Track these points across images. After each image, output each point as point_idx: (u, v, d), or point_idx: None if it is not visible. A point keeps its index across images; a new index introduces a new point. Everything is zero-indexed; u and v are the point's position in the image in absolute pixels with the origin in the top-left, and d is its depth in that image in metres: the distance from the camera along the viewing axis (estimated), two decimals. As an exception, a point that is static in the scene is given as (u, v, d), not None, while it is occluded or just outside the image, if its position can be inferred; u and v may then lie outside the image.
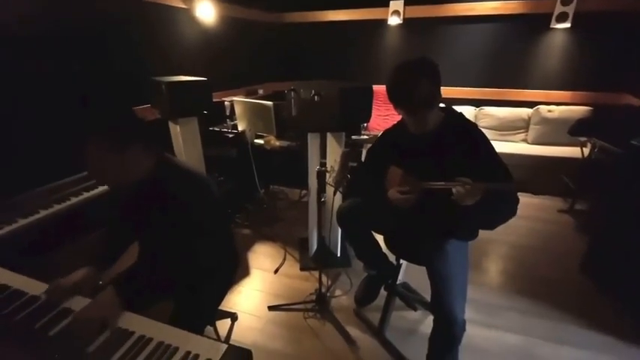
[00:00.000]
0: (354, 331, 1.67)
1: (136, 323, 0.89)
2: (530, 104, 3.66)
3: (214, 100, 2.66)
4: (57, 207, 1.58)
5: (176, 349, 0.82)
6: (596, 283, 2.00)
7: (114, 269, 1.20)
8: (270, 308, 1.82)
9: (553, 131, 3.44)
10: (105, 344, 0.83)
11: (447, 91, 4.02)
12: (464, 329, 1.16)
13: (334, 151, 1.99)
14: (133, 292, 0.98)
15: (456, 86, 3.97)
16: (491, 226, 1.13)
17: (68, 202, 1.63)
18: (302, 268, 2.16)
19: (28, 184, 1.57)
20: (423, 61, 1.15)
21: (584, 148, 2.94)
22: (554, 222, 2.74)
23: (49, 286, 0.96)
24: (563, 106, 3.50)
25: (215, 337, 1.50)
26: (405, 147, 1.29)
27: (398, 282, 1.79)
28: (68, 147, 1.84)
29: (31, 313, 0.92)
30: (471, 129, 1.22)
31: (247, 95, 4.01)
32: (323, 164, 2.08)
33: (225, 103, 3.47)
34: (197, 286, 1.17)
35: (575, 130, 2.87)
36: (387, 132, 1.44)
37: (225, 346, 0.82)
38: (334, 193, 1.54)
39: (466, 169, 1.06)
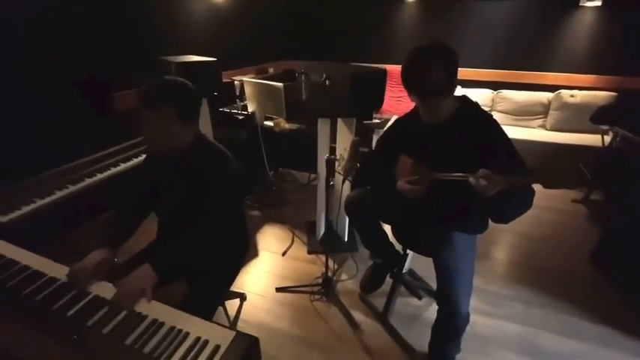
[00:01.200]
0: (358, 316, 1.71)
1: (149, 307, 0.93)
2: (551, 88, 3.51)
3: (224, 79, 2.62)
4: (72, 188, 1.62)
5: (187, 334, 0.85)
6: (605, 276, 1.98)
7: (128, 246, 1.24)
8: (278, 290, 1.88)
9: (573, 117, 3.31)
10: (119, 326, 0.87)
11: (463, 73, 3.87)
12: (467, 321, 1.18)
13: (344, 137, 1.97)
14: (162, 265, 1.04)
15: (474, 67, 3.81)
16: (506, 219, 1.11)
17: (83, 183, 1.67)
18: (309, 252, 2.20)
19: (42, 165, 1.60)
20: (438, 47, 1.10)
21: (605, 136, 2.83)
22: (567, 212, 2.69)
23: (69, 272, 1.00)
24: (585, 91, 3.34)
25: (225, 316, 1.57)
26: (417, 136, 1.26)
27: (404, 270, 1.81)
28: (80, 128, 1.88)
29: (50, 294, 0.96)
30: (486, 120, 1.18)
31: (257, 74, 3.95)
32: (333, 149, 2.07)
33: (235, 82, 3.43)
34: (210, 267, 1.22)
35: (598, 118, 2.75)
36: (399, 120, 1.40)
37: (233, 333, 0.85)
38: (343, 182, 1.53)
39: (480, 161, 1.03)
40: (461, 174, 1.04)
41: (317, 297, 1.82)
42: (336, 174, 1.96)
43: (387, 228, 1.59)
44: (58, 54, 1.83)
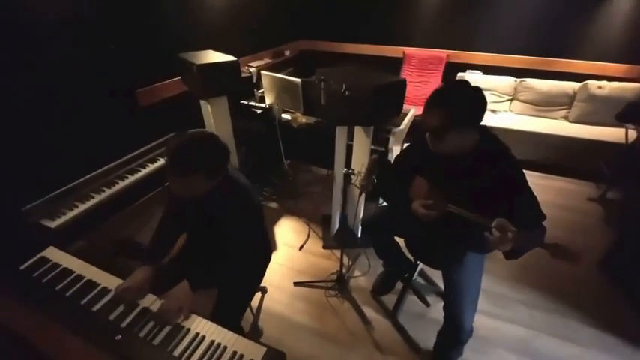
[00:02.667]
0: (370, 312, 1.86)
1: (191, 321, 1.07)
2: (578, 77, 3.36)
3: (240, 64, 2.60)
4: (108, 191, 1.75)
5: (225, 348, 1.00)
6: (612, 282, 2.03)
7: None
8: (296, 284, 2.03)
9: (599, 110, 3.20)
10: (167, 338, 1.02)
11: (487, 58, 3.72)
12: (470, 335, 1.29)
13: (361, 139, 1.99)
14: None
15: (498, 53, 3.65)
16: (515, 258, 1.15)
17: (117, 186, 1.79)
18: (325, 247, 2.33)
19: (78, 172, 1.71)
20: (451, 89, 1.14)
21: (629, 131, 2.75)
22: (582, 212, 2.70)
23: (117, 291, 1.12)
24: (615, 82, 3.19)
25: (249, 309, 1.73)
26: (435, 163, 1.28)
27: (414, 276, 1.91)
28: (108, 131, 1.97)
29: (106, 304, 1.11)
30: (505, 159, 1.17)
31: (273, 58, 3.90)
32: (350, 147, 2.10)
33: (251, 69, 3.41)
34: (239, 276, 1.33)
35: (624, 116, 2.66)
36: (419, 141, 1.42)
37: (264, 349, 0.99)
38: (360, 195, 1.60)
39: (493, 200, 1.08)
40: (473, 215, 1.08)
41: (332, 293, 1.97)
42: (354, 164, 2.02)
43: (400, 239, 1.67)
44: (79, 56, 1.86)
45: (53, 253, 1.32)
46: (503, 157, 1.17)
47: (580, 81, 3.31)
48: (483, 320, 1.80)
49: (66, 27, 1.77)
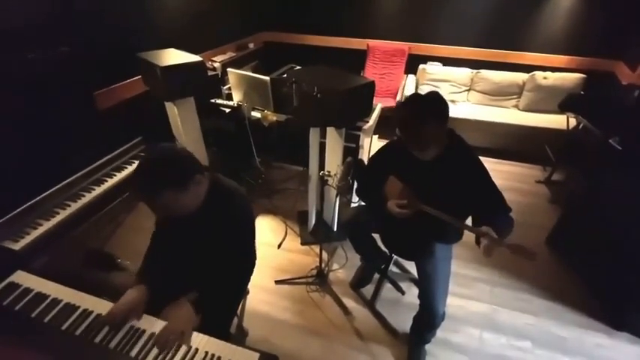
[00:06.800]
0: (349, 303, 1.96)
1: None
2: (527, 68, 3.63)
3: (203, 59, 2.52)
4: (74, 205, 1.66)
5: (219, 358, 1.03)
6: (559, 256, 2.31)
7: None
8: (277, 282, 2.08)
9: (545, 99, 3.50)
10: (160, 355, 1.03)
11: (445, 51, 3.90)
12: (443, 319, 1.43)
13: (334, 142, 2.04)
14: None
15: (455, 45, 3.84)
16: None
17: (83, 199, 1.70)
18: (303, 243, 2.39)
19: (37, 187, 1.60)
20: (432, 100, 1.21)
21: (570, 119, 3.06)
22: (531, 193, 2.99)
23: (106, 315, 1.09)
24: (558, 73, 3.50)
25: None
26: (408, 164, 1.37)
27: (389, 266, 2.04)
28: (68, 142, 1.85)
29: (88, 327, 1.09)
30: (470, 157, 1.30)
31: (237, 51, 3.80)
32: (323, 144, 2.14)
33: (216, 64, 3.31)
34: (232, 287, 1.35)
35: (565, 105, 2.95)
36: (392, 144, 1.50)
37: (257, 355, 1.03)
38: (336, 196, 1.67)
39: (463, 196, 1.20)
40: (445, 216, 1.18)
41: (313, 288, 2.05)
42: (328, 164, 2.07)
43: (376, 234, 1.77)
44: (30, 61, 1.72)
45: (22, 278, 1.25)
46: (469, 156, 1.29)
47: (528, 72, 3.59)
48: (451, 300, 1.96)
49: (11, 30, 1.61)
